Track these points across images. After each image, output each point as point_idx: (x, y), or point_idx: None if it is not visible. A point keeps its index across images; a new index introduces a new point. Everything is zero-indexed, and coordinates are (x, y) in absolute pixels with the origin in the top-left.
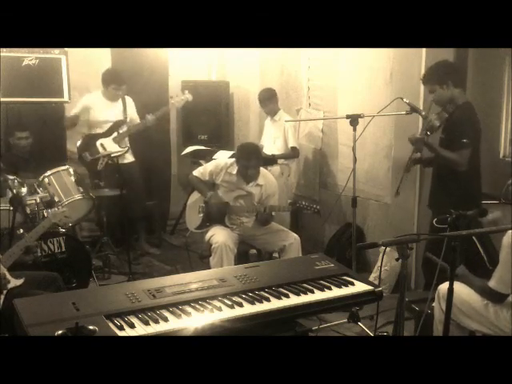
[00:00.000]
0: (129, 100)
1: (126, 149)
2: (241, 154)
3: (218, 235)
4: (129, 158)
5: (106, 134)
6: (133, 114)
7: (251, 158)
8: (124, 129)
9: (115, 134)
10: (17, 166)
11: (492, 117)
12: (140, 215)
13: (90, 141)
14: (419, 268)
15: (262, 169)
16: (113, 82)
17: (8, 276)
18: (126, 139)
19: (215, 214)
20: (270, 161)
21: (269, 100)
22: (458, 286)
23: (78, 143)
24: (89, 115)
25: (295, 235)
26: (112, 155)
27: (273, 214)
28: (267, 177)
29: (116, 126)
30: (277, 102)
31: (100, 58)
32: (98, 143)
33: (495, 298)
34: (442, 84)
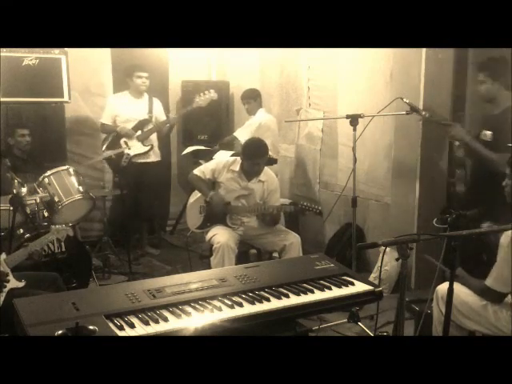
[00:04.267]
0: (156, 100)
1: (149, 147)
2: (250, 152)
3: (220, 235)
4: (153, 158)
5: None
6: (159, 114)
7: (261, 155)
8: (149, 127)
9: (139, 133)
10: (15, 167)
11: None
12: (156, 215)
13: (115, 139)
14: (419, 268)
15: None
16: (135, 70)
17: (10, 276)
18: (152, 138)
19: (216, 214)
20: (270, 161)
21: (245, 100)
22: (457, 287)
23: (105, 144)
24: (115, 116)
25: (296, 235)
26: (134, 153)
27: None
28: (268, 173)
29: (140, 124)
30: (255, 102)
31: (100, 58)
32: (121, 141)
33: (493, 296)
34: (495, 79)
